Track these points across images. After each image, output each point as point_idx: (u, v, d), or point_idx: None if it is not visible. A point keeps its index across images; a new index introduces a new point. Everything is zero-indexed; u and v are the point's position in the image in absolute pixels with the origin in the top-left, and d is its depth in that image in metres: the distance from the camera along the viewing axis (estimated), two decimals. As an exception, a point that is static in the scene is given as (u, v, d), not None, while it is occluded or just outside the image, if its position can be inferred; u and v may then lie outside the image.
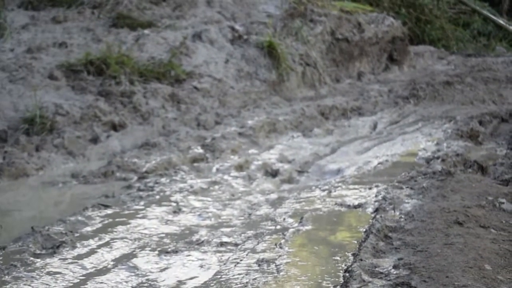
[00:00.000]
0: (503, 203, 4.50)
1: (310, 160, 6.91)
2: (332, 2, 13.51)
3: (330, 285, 3.37)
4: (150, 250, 4.01)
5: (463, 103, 10.56)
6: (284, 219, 4.57)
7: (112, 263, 3.80)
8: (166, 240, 4.20)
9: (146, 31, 9.68)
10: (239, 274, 3.57)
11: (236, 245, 4.08)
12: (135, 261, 3.83)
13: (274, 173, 6.37)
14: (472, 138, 7.53)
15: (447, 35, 17.68)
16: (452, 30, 18.41)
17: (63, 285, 3.46)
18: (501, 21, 21.29)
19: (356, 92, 10.88)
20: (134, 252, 3.98)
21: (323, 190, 5.33)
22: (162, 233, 4.35)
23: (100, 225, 4.51)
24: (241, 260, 3.77)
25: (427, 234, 3.87)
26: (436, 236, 3.81)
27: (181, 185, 5.61)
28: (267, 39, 10.52)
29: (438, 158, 6.33)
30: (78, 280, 3.53)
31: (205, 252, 3.98)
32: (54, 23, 9.71)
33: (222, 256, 3.90)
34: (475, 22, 20.52)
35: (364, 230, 4.12)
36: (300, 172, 6.51)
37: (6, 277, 3.51)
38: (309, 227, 4.34)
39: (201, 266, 3.75)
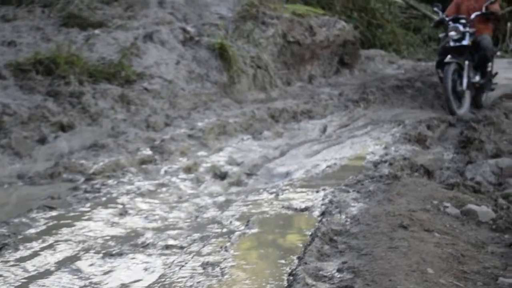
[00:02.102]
0: (447, 207, 4.55)
1: (259, 163, 6.92)
2: (284, 5, 13.58)
3: (274, 288, 3.37)
4: (94, 253, 3.97)
5: (412, 107, 10.72)
6: (230, 222, 4.56)
7: (55, 266, 3.75)
8: (111, 243, 4.16)
9: (97, 31, 9.60)
10: (183, 277, 3.54)
11: (181, 248, 4.05)
12: (78, 264, 3.78)
13: (222, 176, 6.36)
14: (419, 142, 7.61)
15: (398, 39, 17.87)
16: (403, 34, 18.61)
17: None
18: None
19: (307, 95, 10.93)
20: (78, 255, 3.93)
21: (271, 193, 5.33)
22: (107, 236, 4.31)
23: (44, 227, 4.45)
24: (186, 263, 3.75)
25: (371, 237, 3.89)
26: (380, 240, 3.83)
27: (129, 187, 5.58)
28: (218, 41, 10.52)
29: (385, 161, 6.38)
30: (20, 283, 3.49)
31: (150, 255, 3.95)
32: (3, 21, 9.58)
33: (167, 259, 3.87)
34: (425, 27, 20.73)
35: (310, 233, 4.12)
36: (249, 175, 6.52)
37: None
38: (255, 230, 4.34)
39: (146, 269, 3.72)
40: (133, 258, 3.89)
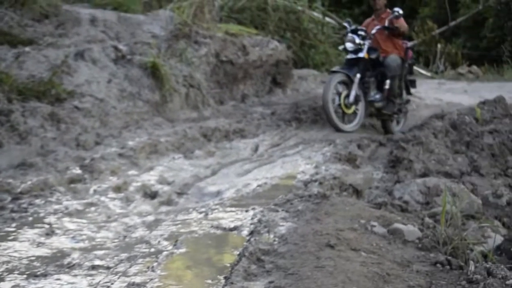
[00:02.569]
0: (374, 226, 4.59)
1: (190, 182, 6.91)
2: (217, 24, 13.61)
3: (200, 308, 3.36)
4: (18, 274, 3.90)
5: (343, 127, 10.76)
6: (159, 241, 4.53)
7: (-23, 287, 3.69)
8: (36, 263, 4.10)
9: (27, 49, 9.46)
10: (109, 298, 3.52)
11: (108, 268, 4.01)
12: (1, 285, 3.71)
13: (153, 195, 6.33)
14: (350, 162, 7.68)
15: (331, 59, 18.02)
16: (335, 55, 18.75)
17: None
18: (383, 47, 21.83)
19: (240, 114, 10.96)
20: (1, 276, 3.85)
21: (201, 213, 5.32)
22: (33, 256, 4.25)
23: (-33, 247, 4.37)
24: (112, 284, 3.72)
25: (299, 257, 3.90)
26: (307, 259, 3.85)
27: (56, 206, 5.51)
28: (151, 60, 10.47)
29: (315, 181, 6.43)
30: None
31: (75, 275, 3.89)
32: None
33: (93, 279, 3.82)
34: (358, 48, 20.93)
35: (238, 253, 4.12)
36: (180, 194, 6.50)
37: None
38: (183, 250, 4.32)
39: (71, 290, 3.68)
40: (58, 279, 3.83)
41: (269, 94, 13.39)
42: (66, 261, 4.15)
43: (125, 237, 4.77)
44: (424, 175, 6.68)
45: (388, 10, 11.20)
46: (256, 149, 8.75)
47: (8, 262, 4.11)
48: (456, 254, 4.23)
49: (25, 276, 3.87)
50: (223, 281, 3.68)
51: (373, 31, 10.63)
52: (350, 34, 10.49)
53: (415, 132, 8.99)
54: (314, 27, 18.04)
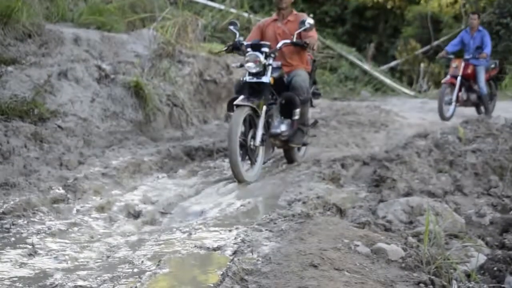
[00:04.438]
0: (358, 245, 4.59)
1: (174, 201, 6.90)
2: (200, 44, 13.65)
3: (183, 329, 3.35)
4: (-1, 295, 3.89)
5: (327, 145, 10.82)
6: (142, 261, 4.51)
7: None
8: (19, 284, 4.07)
9: (10, 68, 9.46)
10: (92, 319, 3.51)
11: (91, 289, 4.00)
12: (-17, 306, 3.70)
13: (136, 215, 6.32)
14: (333, 181, 7.70)
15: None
16: (319, 74, 18.86)
17: None
18: (366, 67, 22.02)
19: (223, 134, 10.96)
20: (-16, 297, 3.85)
21: (184, 232, 5.30)
22: (15, 277, 4.21)
23: (-51, 268, 4.34)
24: (95, 305, 3.71)
25: (282, 277, 3.90)
26: (291, 279, 3.84)
27: (39, 226, 5.47)
28: (134, 79, 10.50)
29: (299, 200, 6.43)
30: None
31: (58, 296, 3.89)
32: None
33: (76, 301, 3.81)
34: (342, 67, 21.16)
35: (221, 273, 4.11)
36: (163, 214, 6.49)
37: None
38: (167, 270, 4.30)
39: (53, 311, 3.66)
40: (40, 300, 3.82)
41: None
42: (49, 281, 4.12)
43: (108, 257, 4.75)
44: (407, 194, 6.69)
45: (295, 12, 9.13)
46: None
47: (-10, 283, 4.08)
48: (440, 274, 4.23)
49: (7, 297, 3.86)
50: (207, 301, 3.67)
51: (279, 46, 8.32)
52: (251, 51, 8.10)
53: (399, 151, 9.01)
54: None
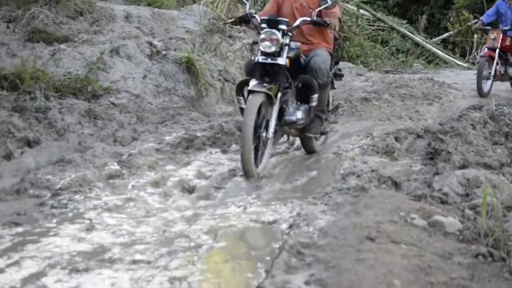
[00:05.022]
0: (414, 218, 4.55)
1: (228, 176, 6.90)
2: (251, 18, 13.58)
3: (241, 302, 3.36)
4: (60, 269, 3.93)
5: (380, 119, 10.72)
6: (198, 236, 4.53)
7: (20, 282, 3.72)
8: (78, 259, 4.12)
9: (63, 46, 9.54)
10: (150, 292, 3.54)
11: (149, 262, 4.03)
12: (44, 280, 3.75)
13: (190, 190, 6.34)
14: (388, 154, 7.63)
15: (366, 52, 17.98)
16: (371, 47, 18.72)
17: None
18: (418, 39, 21.76)
19: (274, 108, 10.93)
20: (44, 271, 3.89)
21: (239, 207, 5.32)
22: (74, 251, 4.27)
23: (9, 243, 4.41)
24: (153, 278, 3.74)
25: (339, 250, 3.89)
26: (348, 252, 3.83)
27: (96, 202, 5.54)
28: (185, 55, 10.51)
29: (353, 173, 6.39)
30: (-15, 301, 3.44)
31: (117, 270, 3.92)
32: (-34, 37, 9.52)
33: (134, 274, 3.84)
34: (393, 39, 20.91)
35: (278, 246, 4.12)
36: (217, 189, 6.50)
37: None
38: (223, 244, 4.33)
39: (113, 285, 3.69)
40: (100, 274, 3.86)
41: (304, 87, 13.35)
42: (107, 256, 4.17)
43: (164, 231, 4.78)
44: (463, 166, 6.61)
45: None
46: (292, 142, 8.71)
47: (50, 257, 4.14)
48: (498, 246, 4.17)
49: (67, 271, 3.91)
50: (263, 274, 3.68)
51: (297, 23, 7.25)
52: (266, 28, 7.04)
53: (453, 124, 8.88)
54: (349, 19, 18.00)
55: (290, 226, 4.53)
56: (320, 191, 5.52)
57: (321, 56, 7.50)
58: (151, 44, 10.65)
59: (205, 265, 3.97)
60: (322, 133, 8.16)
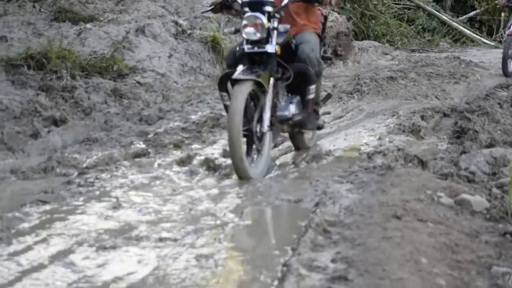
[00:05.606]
0: (441, 197, 4.54)
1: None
2: (276, -3, 13.54)
3: (267, 279, 3.36)
4: (88, 246, 3.96)
5: (406, 98, 10.67)
6: (224, 214, 4.55)
7: (48, 259, 3.75)
8: (105, 236, 4.15)
9: (88, 25, 9.59)
10: (177, 269, 3.55)
11: (175, 240, 4.04)
12: (72, 257, 3.78)
13: (216, 168, 6.34)
14: (414, 133, 7.61)
15: (392, 30, 17.89)
16: (396, 25, 18.61)
17: None
18: (444, 17, 21.60)
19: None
20: (72, 248, 3.92)
21: (264, 185, 5.32)
22: (101, 229, 4.30)
23: (37, 221, 4.45)
24: (180, 256, 3.75)
25: (365, 228, 3.89)
26: (374, 230, 3.83)
27: (122, 180, 5.57)
28: (211, 34, 10.51)
29: (379, 152, 6.38)
30: (14, 277, 3.49)
31: (144, 247, 3.93)
32: (-7, 17, 9.57)
33: (161, 251, 3.86)
34: (419, 18, 20.77)
35: (304, 224, 4.12)
36: (243, 167, 6.50)
37: None
38: (249, 222, 4.34)
39: (140, 262, 3.71)
40: (127, 251, 3.88)
41: (330, 67, 13.31)
42: (134, 233, 4.19)
43: (190, 209, 4.79)
44: (490, 145, 6.57)
45: None
46: (318, 121, 8.70)
47: (78, 235, 4.17)
48: (525, 225, 4.16)
49: (94, 248, 3.93)
50: (290, 252, 3.68)
51: (285, 2, 6.22)
52: (249, 12, 5.97)
53: (480, 102, 8.84)
54: (374, -2, 17.90)
55: (316, 205, 4.53)
56: (346, 169, 5.51)
57: (309, 43, 6.49)
58: (176, 23, 10.67)
59: (232, 242, 3.99)
60: (318, 128, 7.13)
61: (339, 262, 3.41)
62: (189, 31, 10.60)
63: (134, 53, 9.46)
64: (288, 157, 6.68)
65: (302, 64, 6.37)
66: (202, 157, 6.53)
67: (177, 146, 6.87)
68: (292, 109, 6.33)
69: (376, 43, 16.41)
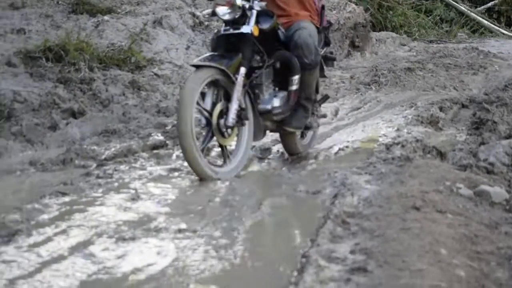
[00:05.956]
0: (460, 188, 4.53)
1: (271, 146, 6.90)
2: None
3: (287, 270, 3.37)
4: (107, 238, 3.97)
5: (424, 89, 10.65)
6: (243, 205, 4.56)
7: (68, 250, 3.76)
8: (124, 228, 4.16)
9: (106, 17, 9.63)
10: (196, 260, 3.57)
11: (194, 231, 4.05)
12: (91, 248, 3.80)
13: (234, 160, 6.33)
14: (432, 124, 7.60)
15: (409, 21, 17.83)
16: (414, 16, 18.54)
17: (18, 273, 3.44)
18: (462, 8, 21.49)
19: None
20: (91, 240, 3.94)
21: (282, 176, 5.33)
22: (120, 221, 4.31)
23: (57, 212, 4.46)
24: (198, 247, 3.76)
25: (384, 219, 3.90)
26: (393, 221, 3.84)
27: (141, 172, 5.58)
28: (228, 26, 10.49)
29: (398, 143, 6.38)
30: (34, 268, 3.50)
31: (163, 239, 3.95)
32: (12, 9, 9.61)
33: (180, 242, 3.87)
34: (437, 9, 20.67)
35: (322, 215, 4.13)
36: (261, 159, 6.50)
37: (-40, 265, 3.45)
38: (267, 213, 4.35)
39: (158, 253, 3.72)
40: (146, 242, 3.89)
41: (347, 58, 13.33)
42: (153, 225, 4.20)
43: (209, 201, 4.79)
44: (509, 136, 6.55)
45: None
46: (336, 113, 8.68)
47: (97, 226, 4.18)
48: (545, 216, 4.16)
49: (114, 239, 3.95)
50: (309, 243, 3.69)
51: None
52: None
53: (499, 93, 8.80)
54: (392, -12, 17.85)
55: (335, 196, 4.54)
56: (364, 161, 5.51)
57: (307, 29, 5.92)
58: (193, 15, 10.68)
59: (250, 234, 3.99)
60: (306, 128, 6.33)
61: (358, 253, 3.42)
62: (206, 23, 10.61)
63: (152, 45, 9.48)
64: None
65: (287, 51, 5.86)
66: (220, 149, 6.54)
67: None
68: (275, 102, 5.82)
69: (394, 34, 16.36)
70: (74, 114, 7.11)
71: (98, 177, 5.40)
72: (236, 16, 5.40)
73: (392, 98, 9.67)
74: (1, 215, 4.24)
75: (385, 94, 9.97)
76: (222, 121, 5.39)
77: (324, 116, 7.02)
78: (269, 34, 5.70)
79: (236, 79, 5.36)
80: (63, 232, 4.09)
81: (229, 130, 5.46)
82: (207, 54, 5.55)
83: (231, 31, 5.45)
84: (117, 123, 7.11)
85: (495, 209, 4.30)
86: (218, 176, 5.30)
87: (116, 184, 5.20)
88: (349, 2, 14.10)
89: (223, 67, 5.28)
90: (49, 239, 3.95)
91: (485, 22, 21.33)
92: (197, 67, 5.35)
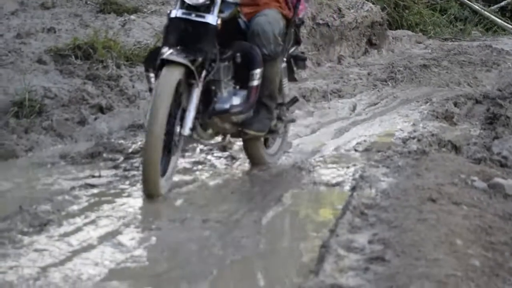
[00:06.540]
0: (475, 180, 4.63)
1: (291, 140, 7.00)
2: (313, -14, 13.59)
3: (307, 260, 3.52)
4: (134, 227, 4.13)
5: (439, 85, 10.70)
6: (264, 196, 4.71)
7: (97, 240, 3.90)
8: (150, 218, 4.32)
9: (132, 17, 9.75)
10: (220, 249, 3.73)
11: (219, 222, 4.19)
12: (119, 238, 3.94)
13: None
14: (447, 119, 7.69)
15: (425, 20, 17.86)
16: (429, 15, 18.57)
17: (49, 262, 3.55)
18: (476, 7, 21.44)
19: (336, 75, 10.99)
20: (119, 230, 4.08)
21: (302, 169, 5.46)
22: (146, 211, 4.48)
23: (86, 204, 4.60)
24: (222, 236, 3.92)
25: (401, 210, 4.01)
26: (410, 213, 3.95)
27: (166, 165, 5.70)
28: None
29: (414, 138, 6.50)
30: (64, 257, 3.63)
31: (188, 229, 4.08)
32: (42, 9, 9.74)
33: (204, 232, 4.01)
34: (452, 8, 20.64)
35: (341, 207, 4.25)
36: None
37: (-6, 254, 3.59)
38: (287, 205, 4.48)
39: (183, 242, 3.86)
40: (171, 232, 4.04)
41: (364, 55, 13.37)
42: (178, 215, 4.34)
43: (232, 193, 4.93)
44: (522, 131, 6.65)
45: None
46: (353, 108, 8.79)
47: (124, 217, 4.32)
48: (559, 208, 4.24)
49: (140, 229, 4.12)
50: (328, 234, 3.81)
51: None
52: None
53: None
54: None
55: (353, 188, 4.66)
56: (382, 154, 5.62)
57: (267, 16, 5.12)
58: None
59: (271, 224, 4.13)
60: (271, 132, 5.55)
61: (376, 243, 3.53)
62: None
63: (176, 43, 9.58)
64: (326, 143, 6.77)
65: (247, 42, 5.08)
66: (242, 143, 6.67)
67: (218, 132, 6.98)
68: (234, 101, 5.09)
69: (410, 32, 16.39)
70: (102, 110, 7.21)
71: (125, 169, 5.51)
72: (207, 2, 4.67)
73: (408, 94, 9.76)
74: (33, 206, 4.35)
75: (401, 90, 10.06)
76: (178, 130, 4.74)
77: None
78: (229, 23, 4.90)
79: (198, 82, 4.69)
80: (92, 222, 4.22)
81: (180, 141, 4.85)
82: (168, 49, 4.65)
83: (194, 17, 4.67)
84: (143, 118, 7.23)
85: (509, 201, 4.37)
86: (163, 191, 4.65)
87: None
88: (366, 2, 14.16)
89: (193, 67, 4.61)
90: (79, 229, 4.08)
91: (498, 20, 21.28)
92: (167, 62, 4.58)
